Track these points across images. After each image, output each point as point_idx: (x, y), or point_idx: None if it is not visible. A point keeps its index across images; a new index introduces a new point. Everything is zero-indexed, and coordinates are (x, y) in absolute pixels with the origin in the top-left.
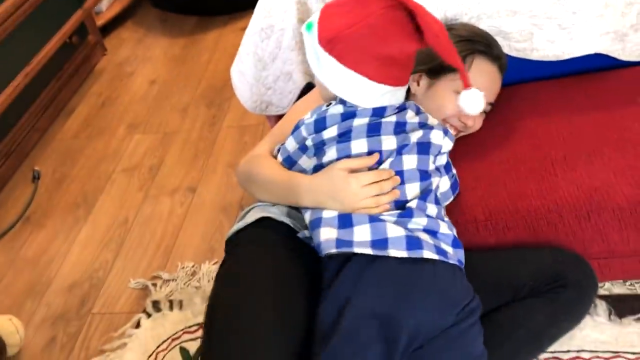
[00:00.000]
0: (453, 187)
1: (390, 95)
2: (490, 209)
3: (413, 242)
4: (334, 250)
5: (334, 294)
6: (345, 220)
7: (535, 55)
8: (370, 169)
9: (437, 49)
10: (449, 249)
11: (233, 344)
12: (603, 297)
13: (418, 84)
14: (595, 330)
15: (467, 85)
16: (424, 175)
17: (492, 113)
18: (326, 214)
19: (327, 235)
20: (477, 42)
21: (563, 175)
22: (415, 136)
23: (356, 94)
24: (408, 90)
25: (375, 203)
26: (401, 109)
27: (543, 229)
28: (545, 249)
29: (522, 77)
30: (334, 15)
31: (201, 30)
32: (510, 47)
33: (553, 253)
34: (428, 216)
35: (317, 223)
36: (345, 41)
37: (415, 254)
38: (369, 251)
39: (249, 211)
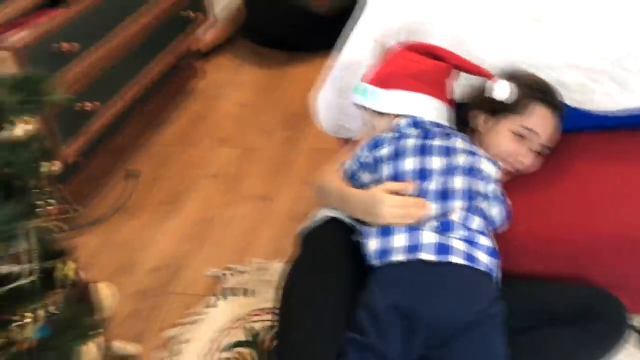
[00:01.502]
0: (503, 216)
1: (440, 112)
2: (538, 238)
3: (443, 248)
4: (375, 262)
5: (367, 289)
6: (386, 230)
7: (592, 107)
8: (421, 189)
9: (459, 63)
10: (482, 257)
11: (306, 325)
12: (635, 329)
13: (481, 122)
14: (626, 357)
15: (490, 77)
16: (471, 195)
17: (549, 156)
18: (371, 227)
19: (371, 248)
20: (539, 91)
21: (606, 213)
22: (461, 160)
23: (416, 108)
24: (470, 126)
25: (401, 222)
26: (450, 135)
27: (584, 259)
28: (581, 285)
29: (579, 126)
30: (376, 70)
31: (290, 64)
32: (569, 98)
33: (589, 289)
34: (469, 229)
35: (365, 234)
36: (397, 75)
37: (442, 258)
38: (402, 257)
39: (320, 210)
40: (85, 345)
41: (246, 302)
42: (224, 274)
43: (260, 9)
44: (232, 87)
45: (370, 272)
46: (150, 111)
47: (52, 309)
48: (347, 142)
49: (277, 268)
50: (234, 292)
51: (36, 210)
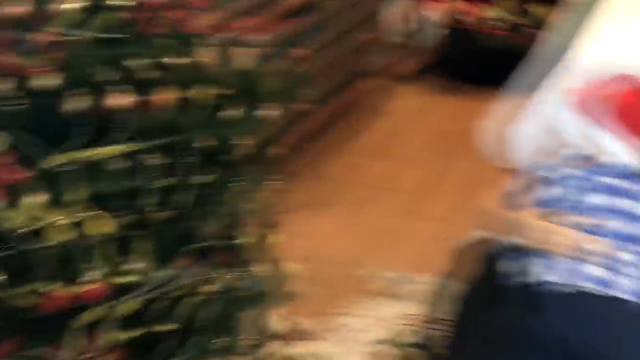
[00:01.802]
0: None
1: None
2: None
3: (606, 282)
4: (531, 286)
5: (521, 314)
6: (547, 257)
7: None
8: (599, 225)
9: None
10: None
11: (480, 342)
12: None
13: None
14: None
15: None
16: None
17: None
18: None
19: (530, 273)
20: None
21: None
22: None
23: (613, 148)
24: None
25: (558, 252)
26: None
27: None
28: None
29: None
30: (610, 107)
31: (482, 99)
32: None
33: None
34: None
35: (523, 258)
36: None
37: (605, 291)
38: (563, 285)
39: (482, 233)
40: (277, 310)
41: (402, 305)
42: (385, 278)
43: (460, 45)
44: (422, 112)
45: (519, 295)
46: (346, 124)
47: (260, 269)
48: (511, 171)
49: (427, 281)
50: (389, 295)
51: (255, 182)
